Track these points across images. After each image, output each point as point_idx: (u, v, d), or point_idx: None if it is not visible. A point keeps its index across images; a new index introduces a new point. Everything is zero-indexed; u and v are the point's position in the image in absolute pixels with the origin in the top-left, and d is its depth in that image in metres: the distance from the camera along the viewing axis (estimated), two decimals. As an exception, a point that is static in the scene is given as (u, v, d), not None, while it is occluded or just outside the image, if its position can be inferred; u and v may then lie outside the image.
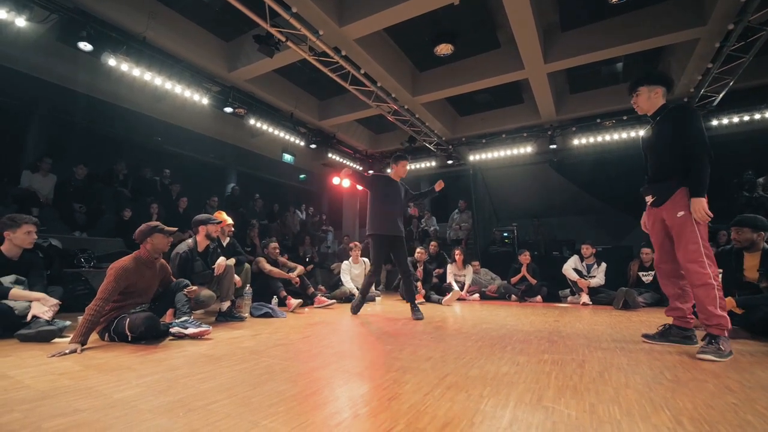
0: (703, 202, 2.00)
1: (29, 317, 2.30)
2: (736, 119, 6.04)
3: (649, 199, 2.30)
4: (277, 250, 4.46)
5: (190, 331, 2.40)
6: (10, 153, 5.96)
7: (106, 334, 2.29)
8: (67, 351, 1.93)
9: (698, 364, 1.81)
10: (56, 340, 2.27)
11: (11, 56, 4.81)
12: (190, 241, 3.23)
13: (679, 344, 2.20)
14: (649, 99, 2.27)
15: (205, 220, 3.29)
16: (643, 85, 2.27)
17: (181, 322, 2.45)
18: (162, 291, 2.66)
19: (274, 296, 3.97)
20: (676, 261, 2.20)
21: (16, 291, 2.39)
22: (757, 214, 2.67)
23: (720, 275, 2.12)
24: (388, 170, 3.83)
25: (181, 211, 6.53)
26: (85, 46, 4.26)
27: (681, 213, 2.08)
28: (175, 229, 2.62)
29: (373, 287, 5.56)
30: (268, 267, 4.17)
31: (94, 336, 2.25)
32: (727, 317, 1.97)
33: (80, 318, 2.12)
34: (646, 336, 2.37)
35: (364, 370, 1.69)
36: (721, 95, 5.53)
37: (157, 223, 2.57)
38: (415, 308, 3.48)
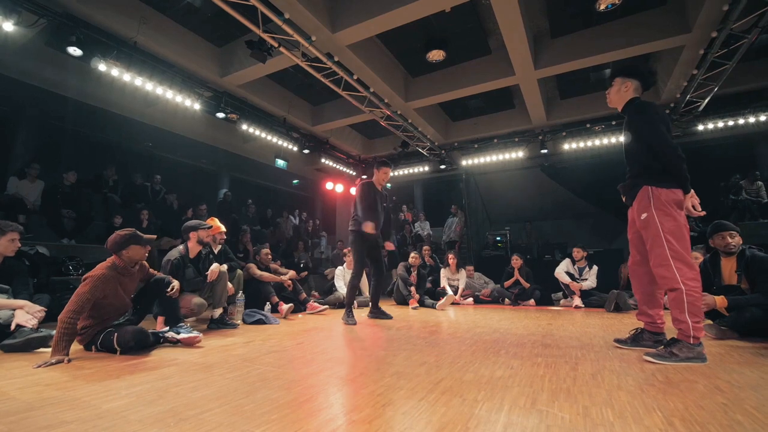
0: (686, 196, 1.92)
1: (13, 326, 2.24)
2: (721, 124, 6.20)
3: (624, 198, 2.24)
4: (269, 257, 4.42)
5: (182, 336, 2.38)
6: (-4, 159, 5.86)
7: (93, 347, 2.23)
8: (53, 361, 1.88)
9: (689, 365, 1.83)
10: (42, 350, 2.22)
11: (-1, 61, 4.75)
12: (181, 247, 3.19)
13: (651, 349, 2.10)
14: (619, 92, 2.19)
15: (196, 225, 3.25)
16: (619, 77, 2.20)
17: (176, 327, 2.45)
18: (143, 286, 2.57)
19: (267, 303, 3.94)
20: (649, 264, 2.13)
21: None
22: (743, 216, 2.72)
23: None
24: (372, 177, 3.85)
25: (183, 219, 6.39)
26: (75, 51, 4.21)
27: (644, 215, 2.01)
28: (154, 237, 2.49)
29: (366, 292, 5.54)
30: (258, 272, 4.13)
31: (79, 346, 2.20)
32: (691, 324, 1.84)
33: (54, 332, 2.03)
34: (618, 341, 2.30)
35: (359, 376, 1.68)
36: (706, 101, 5.67)
37: (133, 231, 2.35)
38: (376, 311, 3.69)
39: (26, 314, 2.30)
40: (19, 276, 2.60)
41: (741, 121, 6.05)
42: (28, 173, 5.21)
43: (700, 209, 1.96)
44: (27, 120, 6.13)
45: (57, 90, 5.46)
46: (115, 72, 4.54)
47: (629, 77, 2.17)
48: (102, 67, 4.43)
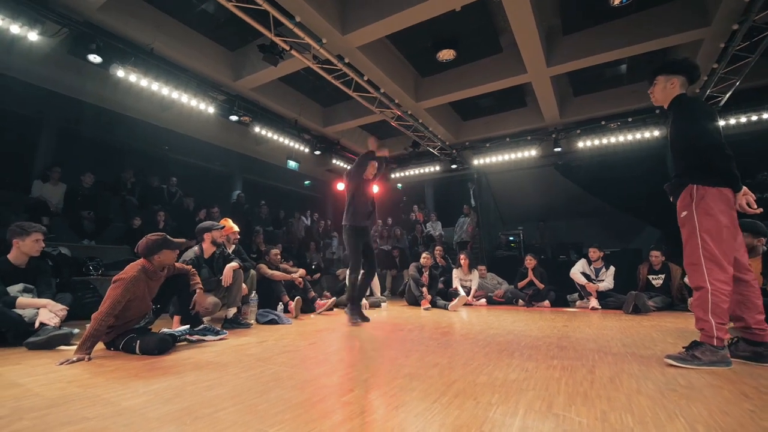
0: (738, 195, 1.84)
1: (36, 324, 2.32)
2: (743, 119, 5.98)
3: (671, 198, 2.12)
4: (279, 257, 4.47)
5: (209, 338, 2.51)
6: (22, 163, 6.08)
7: (112, 348, 2.27)
8: (74, 359, 1.94)
9: (713, 369, 1.76)
10: (64, 347, 2.29)
11: (24, 69, 4.93)
12: (196, 248, 3.26)
13: (746, 361, 1.89)
14: (665, 89, 2.10)
15: (209, 226, 3.32)
16: (661, 74, 2.10)
17: (201, 330, 2.53)
18: (164, 281, 2.57)
19: (280, 303, 3.98)
20: None
21: (23, 299, 2.41)
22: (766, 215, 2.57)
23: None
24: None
25: (197, 220, 6.50)
26: (95, 58, 4.35)
27: (684, 213, 1.94)
28: (183, 240, 2.54)
29: (378, 292, 5.53)
30: (269, 271, 4.17)
31: (100, 345, 2.26)
32: (714, 324, 1.77)
33: (87, 326, 2.09)
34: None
35: (371, 377, 1.68)
36: (727, 95, 5.48)
37: (164, 235, 2.37)
38: (355, 309, 3.50)
39: (49, 313, 2.38)
40: (43, 275, 2.69)
41: (765, 116, 5.83)
42: (50, 176, 5.40)
43: (755, 206, 1.86)
44: (49, 125, 6.36)
45: (77, 96, 5.64)
46: (132, 78, 4.67)
47: (674, 74, 2.08)
48: (120, 73, 4.56)
